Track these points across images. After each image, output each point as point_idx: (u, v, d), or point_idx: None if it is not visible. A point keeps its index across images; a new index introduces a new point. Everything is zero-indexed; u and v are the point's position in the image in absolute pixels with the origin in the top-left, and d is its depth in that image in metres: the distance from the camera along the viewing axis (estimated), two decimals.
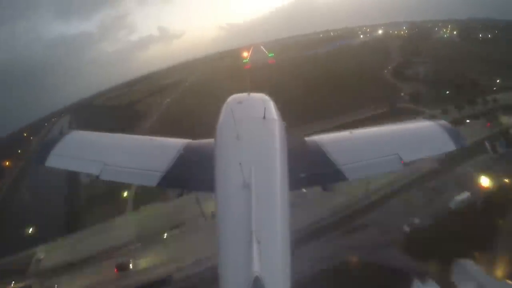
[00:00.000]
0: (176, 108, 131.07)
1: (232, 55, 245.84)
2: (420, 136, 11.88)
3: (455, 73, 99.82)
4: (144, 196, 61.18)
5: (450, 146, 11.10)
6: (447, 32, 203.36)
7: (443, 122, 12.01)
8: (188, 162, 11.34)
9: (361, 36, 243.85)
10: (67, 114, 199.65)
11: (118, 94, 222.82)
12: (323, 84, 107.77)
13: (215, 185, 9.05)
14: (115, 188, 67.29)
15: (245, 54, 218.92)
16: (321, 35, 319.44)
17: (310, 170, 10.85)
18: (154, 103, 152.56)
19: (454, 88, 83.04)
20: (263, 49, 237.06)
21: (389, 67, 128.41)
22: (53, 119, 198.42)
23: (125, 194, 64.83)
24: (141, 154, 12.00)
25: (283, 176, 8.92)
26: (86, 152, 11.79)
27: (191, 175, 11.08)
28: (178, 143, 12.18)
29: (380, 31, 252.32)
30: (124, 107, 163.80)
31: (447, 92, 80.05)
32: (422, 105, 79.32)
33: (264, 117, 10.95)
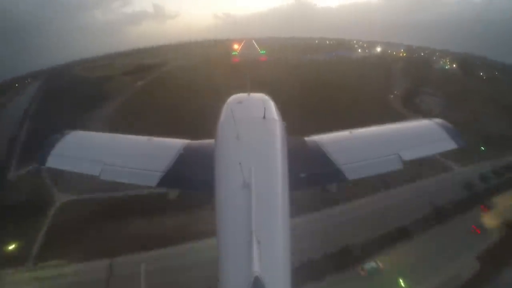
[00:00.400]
0: (143, 96, 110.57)
1: (224, 45, 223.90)
2: (420, 135, 11.61)
3: (474, 117, 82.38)
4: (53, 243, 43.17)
5: (450, 144, 11.00)
6: (447, 63, 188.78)
7: (441, 121, 11.97)
8: (188, 162, 11.08)
9: (359, 50, 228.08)
10: (38, 78, 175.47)
11: (97, 66, 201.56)
12: (320, 101, 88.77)
13: (215, 185, 8.82)
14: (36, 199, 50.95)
15: (235, 46, 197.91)
16: (316, 41, 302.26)
17: (310, 170, 10.63)
18: (125, 84, 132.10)
19: (482, 141, 65.18)
20: (255, 44, 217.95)
21: (396, 92, 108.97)
22: (26, 81, 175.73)
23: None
24: (141, 154, 11.64)
25: (283, 176, 8.78)
26: (86, 152, 11.54)
27: (191, 175, 10.83)
28: (178, 143, 11.99)
29: (378, 49, 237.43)
30: (94, 81, 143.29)
31: (482, 148, 63.18)
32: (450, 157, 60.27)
33: (264, 117, 10.82)
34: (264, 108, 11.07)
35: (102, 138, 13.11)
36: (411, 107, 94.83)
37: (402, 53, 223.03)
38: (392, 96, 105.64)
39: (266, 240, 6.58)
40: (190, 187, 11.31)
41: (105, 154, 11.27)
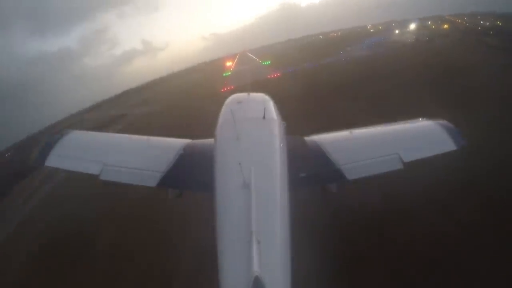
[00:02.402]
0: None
1: (212, 66, 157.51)
2: (421, 135, 10.95)
3: None
4: None
5: (450, 146, 10.22)
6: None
7: (443, 122, 11.14)
8: (188, 162, 10.58)
9: (396, 31, 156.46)
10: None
11: (65, 126, 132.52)
12: None
13: (214, 185, 8.36)
14: None
15: (227, 64, 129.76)
16: (320, 37, 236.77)
17: (310, 170, 10.14)
18: (48, 176, 60.01)
19: None
20: (253, 57, 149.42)
21: None
22: (6, 155, 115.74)
23: None
24: (141, 154, 11.08)
25: (283, 176, 8.41)
26: (86, 152, 11.05)
27: (191, 175, 10.27)
28: (178, 143, 11.49)
29: (412, 25, 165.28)
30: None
31: None
32: None
33: (264, 117, 10.29)
34: (264, 108, 10.64)
35: (102, 138, 12.61)
36: None
37: (443, 25, 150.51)
38: None
39: (266, 240, 6.16)
40: (191, 187, 10.46)
41: (105, 154, 10.72)
